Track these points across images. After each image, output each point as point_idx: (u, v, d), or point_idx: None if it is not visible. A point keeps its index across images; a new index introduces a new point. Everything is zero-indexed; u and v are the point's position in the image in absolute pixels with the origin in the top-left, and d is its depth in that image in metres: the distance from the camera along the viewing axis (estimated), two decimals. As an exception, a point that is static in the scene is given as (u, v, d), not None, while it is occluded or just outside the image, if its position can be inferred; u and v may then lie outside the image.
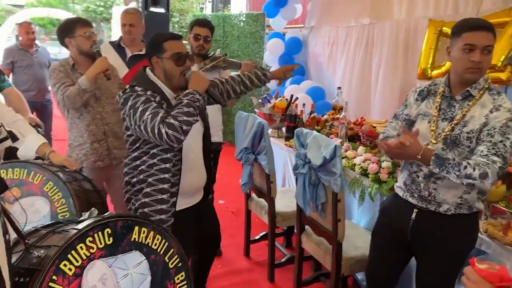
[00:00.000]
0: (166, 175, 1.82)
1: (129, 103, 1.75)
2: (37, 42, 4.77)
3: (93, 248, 1.16)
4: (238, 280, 2.78)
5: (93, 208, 1.48)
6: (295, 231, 2.59)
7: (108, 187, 2.59)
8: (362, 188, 2.43)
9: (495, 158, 1.52)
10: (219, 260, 2.99)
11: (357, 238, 2.35)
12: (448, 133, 1.65)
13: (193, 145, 1.92)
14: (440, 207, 1.69)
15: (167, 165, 1.81)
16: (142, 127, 1.71)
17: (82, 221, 1.26)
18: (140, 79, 1.85)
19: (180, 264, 1.38)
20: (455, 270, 1.74)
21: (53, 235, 1.18)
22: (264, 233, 3.06)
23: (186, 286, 1.40)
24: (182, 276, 1.39)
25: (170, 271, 1.36)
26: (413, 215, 1.76)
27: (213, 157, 2.99)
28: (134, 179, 1.85)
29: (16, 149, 1.91)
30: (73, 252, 1.12)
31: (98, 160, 2.43)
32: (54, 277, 1.07)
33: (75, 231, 1.14)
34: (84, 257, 1.14)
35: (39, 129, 2.41)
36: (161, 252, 1.34)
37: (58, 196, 1.70)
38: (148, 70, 1.89)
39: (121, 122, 1.97)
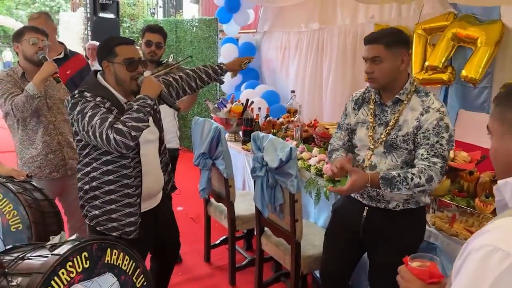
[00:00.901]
0: (127, 181, 1.80)
1: (78, 108, 1.71)
2: None
3: (72, 273, 1.18)
4: (199, 286, 2.77)
5: (62, 232, 1.45)
6: (255, 233, 2.63)
7: (63, 198, 2.51)
8: (317, 188, 2.50)
9: (435, 160, 1.63)
10: (179, 267, 2.96)
11: (314, 237, 2.42)
12: (384, 137, 1.76)
13: (149, 148, 1.90)
14: (389, 204, 1.79)
15: (127, 171, 1.79)
16: (90, 133, 1.67)
17: (54, 246, 1.24)
18: (90, 84, 1.81)
19: (146, 283, 1.45)
20: None
21: (24, 260, 1.16)
22: (224, 237, 3.07)
23: None
24: None
25: None
26: (364, 213, 1.84)
27: (171, 163, 2.97)
28: (87, 186, 1.81)
29: None
30: (56, 278, 1.13)
31: (53, 171, 2.35)
32: None
33: (56, 257, 1.14)
34: (65, 282, 1.16)
35: None
36: (129, 273, 1.39)
37: (9, 207, 1.65)
38: (99, 75, 1.85)
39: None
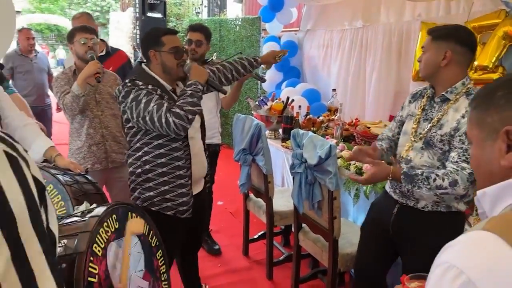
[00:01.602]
0: (179, 163, 1.91)
1: (131, 96, 1.82)
2: (36, 47, 4.82)
3: (108, 232, 1.30)
4: (237, 279, 2.84)
5: (85, 201, 1.58)
6: (293, 229, 2.66)
7: (108, 190, 2.65)
8: (357, 186, 2.50)
9: (465, 165, 1.59)
10: (218, 259, 3.06)
11: (353, 235, 2.41)
12: (425, 134, 1.74)
13: (195, 133, 2.01)
14: (418, 203, 1.76)
15: (177, 154, 1.91)
16: (147, 118, 1.78)
17: (84, 212, 1.36)
18: (138, 74, 1.93)
19: (158, 243, 1.59)
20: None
21: (63, 226, 1.27)
22: (262, 232, 3.13)
23: (163, 260, 1.61)
24: (160, 253, 1.59)
25: (153, 249, 1.55)
26: (395, 210, 1.83)
27: (212, 158, 3.06)
28: (139, 170, 1.93)
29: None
30: (98, 236, 1.25)
31: (96, 163, 2.48)
32: (92, 258, 1.19)
33: (95, 218, 1.27)
34: (105, 240, 1.28)
35: None
36: (146, 234, 1.52)
37: (58, 198, 1.74)
38: (144, 66, 1.97)
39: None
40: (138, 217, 1.49)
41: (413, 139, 1.78)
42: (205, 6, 8.75)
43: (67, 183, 1.80)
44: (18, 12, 20.86)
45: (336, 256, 2.25)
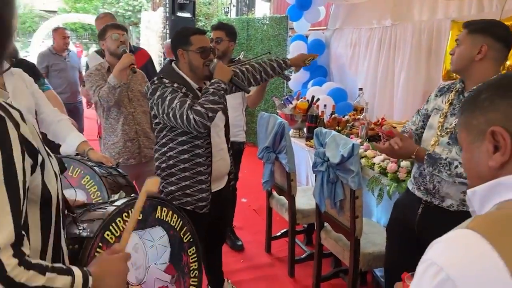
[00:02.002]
0: (200, 159, 1.98)
1: (158, 93, 1.91)
2: (70, 46, 5.02)
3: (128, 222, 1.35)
4: (259, 275, 2.87)
5: (121, 191, 1.70)
6: (315, 228, 2.67)
7: (139, 184, 2.74)
8: (380, 186, 2.48)
9: None
10: (241, 255, 3.10)
11: (376, 236, 2.41)
12: (452, 128, 1.71)
13: (218, 132, 2.07)
14: (443, 201, 1.74)
15: (199, 151, 1.97)
16: (171, 115, 1.86)
17: (113, 201, 1.43)
18: (166, 72, 2.01)
19: (192, 240, 1.60)
20: None
21: (90, 212, 1.36)
22: (285, 230, 3.15)
23: (196, 256, 1.62)
24: (193, 249, 1.60)
25: (184, 244, 1.57)
26: (420, 210, 1.81)
27: (236, 156, 3.11)
28: (164, 164, 2.02)
29: (59, 145, 2.07)
30: (113, 224, 1.31)
31: (130, 158, 2.58)
32: (100, 244, 1.26)
33: (114, 207, 1.33)
34: (121, 229, 1.32)
35: None
36: (177, 229, 1.54)
37: (94, 189, 1.83)
38: (173, 64, 2.05)
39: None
40: (170, 212, 1.52)
41: (439, 133, 1.76)
42: (233, 6, 8.82)
43: (102, 175, 1.90)
44: (54, 12, 21.65)
45: (357, 255, 2.25)
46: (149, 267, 1.43)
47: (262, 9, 9.55)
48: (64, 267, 0.89)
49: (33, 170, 0.85)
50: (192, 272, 1.60)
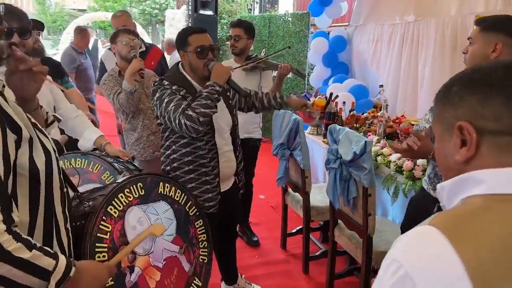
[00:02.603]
0: (204, 161, 1.99)
1: (157, 95, 1.93)
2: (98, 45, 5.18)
3: (130, 197, 1.43)
4: (273, 270, 2.89)
5: (124, 171, 1.79)
6: (330, 225, 2.66)
7: None
8: (396, 184, 2.45)
9: None
10: (256, 251, 3.13)
11: (390, 234, 2.38)
12: None
13: (223, 134, 2.07)
14: None
15: (202, 152, 1.98)
16: (166, 118, 1.88)
17: (112, 183, 1.56)
18: (170, 73, 2.04)
19: (198, 213, 1.66)
20: None
21: (97, 191, 1.45)
22: (300, 227, 3.14)
23: (204, 229, 1.67)
24: (200, 222, 1.66)
25: (190, 217, 1.63)
26: (435, 209, 1.78)
27: (252, 153, 3.13)
28: (168, 167, 2.04)
29: (77, 140, 2.14)
30: (115, 199, 1.39)
31: (156, 151, 2.64)
32: (104, 218, 1.33)
33: (114, 184, 1.43)
34: (125, 204, 1.41)
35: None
36: (182, 203, 1.60)
37: None
38: (180, 65, 2.05)
39: None
40: (173, 187, 1.59)
41: None
42: (256, 2, 8.83)
43: (121, 170, 1.92)
44: (84, 10, 22.22)
45: (370, 253, 2.23)
46: (155, 238, 1.49)
47: (285, 6, 9.52)
48: (52, 251, 0.94)
49: (18, 146, 0.91)
50: (201, 243, 1.66)
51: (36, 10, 23.73)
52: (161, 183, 1.55)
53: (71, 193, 1.30)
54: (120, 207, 1.39)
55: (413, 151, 1.68)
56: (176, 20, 8.22)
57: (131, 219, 1.42)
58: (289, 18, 5.84)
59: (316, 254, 2.94)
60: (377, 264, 2.26)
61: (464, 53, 1.71)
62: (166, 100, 1.89)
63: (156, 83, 1.96)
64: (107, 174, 1.89)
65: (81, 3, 24.06)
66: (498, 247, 0.58)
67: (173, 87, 1.92)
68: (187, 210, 1.62)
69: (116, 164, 1.95)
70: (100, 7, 22.27)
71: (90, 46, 6.63)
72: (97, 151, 2.08)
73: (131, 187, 1.44)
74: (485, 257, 0.58)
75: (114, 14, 3.25)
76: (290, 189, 3.09)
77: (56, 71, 2.89)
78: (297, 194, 2.96)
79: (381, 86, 3.87)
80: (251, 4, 8.95)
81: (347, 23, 5.32)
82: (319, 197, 2.91)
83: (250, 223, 3.38)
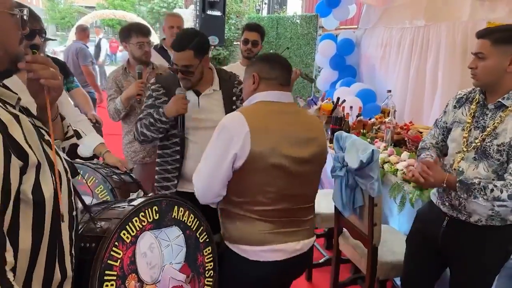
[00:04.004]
0: (168, 158, 2.06)
1: (147, 93, 2.12)
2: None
3: (144, 222, 1.37)
4: (276, 277, 2.85)
5: (139, 190, 1.73)
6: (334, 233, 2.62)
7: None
8: (403, 193, 2.41)
9: None
10: (259, 257, 3.08)
11: (395, 244, 2.33)
12: (478, 143, 1.62)
13: (198, 140, 2.02)
14: (470, 217, 1.66)
15: (168, 151, 2.06)
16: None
17: (131, 200, 1.47)
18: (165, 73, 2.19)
19: (208, 240, 1.58)
20: (486, 283, 1.70)
21: (108, 210, 1.40)
22: (304, 233, 3.10)
23: (212, 257, 1.60)
24: (209, 249, 1.59)
25: (200, 245, 1.56)
26: (444, 223, 1.74)
27: None
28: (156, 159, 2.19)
29: (77, 146, 2.12)
30: (130, 224, 1.32)
31: (146, 156, 2.61)
32: (116, 243, 1.28)
33: (131, 207, 1.36)
34: (138, 229, 1.35)
35: (97, 124, 2.64)
36: (194, 229, 1.54)
37: (107, 199, 1.84)
38: None
39: None
40: (187, 211, 1.52)
41: (464, 149, 1.68)
42: (265, 3, 8.79)
43: (116, 185, 1.91)
44: (93, 7, 22.30)
45: (374, 263, 2.19)
46: (164, 267, 1.44)
47: (294, 7, 9.48)
48: None
49: (23, 172, 0.87)
50: (207, 272, 1.60)
51: (45, 7, 23.88)
52: (175, 207, 1.48)
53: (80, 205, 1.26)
54: (133, 232, 1.33)
55: (424, 180, 1.65)
56: (184, 20, 8.21)
57: (143, 245, 1.36)
58: (297, 20, 5.81)
59: (320, 261, 2.90)
60: (382, 275, 2.22)
61: (472, 68, 1.64)
62: (145, 101, 2.09)
63: (150, 83, 2.12)
64: (100, 187, 1.87)
65: (90, 0, 24.16)
66: (261, 116, 1.50)
67: (152, 87, 2.05)
68: (198, 236, 1.55)
69: (110, 179, 1.90)
70: (108, 4, 22.34)
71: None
72: (94, 160, 2.06)
73: (147, 211, 1.39)
74: (257, 122, 1.46)
75: (172, 13, 3.27)
76: (294, 195, 3.05)
77: (62, 71, 2.87)
78: (301, 200, 2.92)
79: (389, 91, 3.81)
80: (260, 5, 8.92)
81: (356, 26, 5.27)
82: (324, 203, 2.87)
83: None
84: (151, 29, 2.72)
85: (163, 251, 1.43)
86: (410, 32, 4.26)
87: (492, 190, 1.51)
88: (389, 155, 2.69)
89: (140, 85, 2.42)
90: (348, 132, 3.20)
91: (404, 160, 2.59)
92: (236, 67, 2.91)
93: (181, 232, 1.50)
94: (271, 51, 6.27)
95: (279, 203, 1.50)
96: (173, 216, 1.48)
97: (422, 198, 2.26)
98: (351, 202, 2.24)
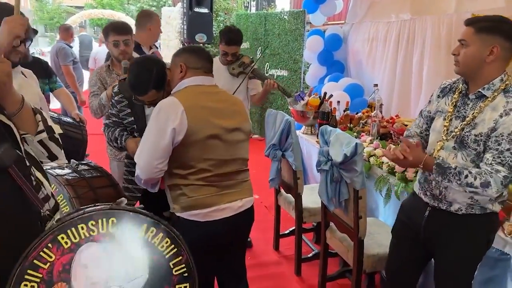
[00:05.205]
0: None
1: None
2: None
3: (93, 231, 1.22)
4: (265, 273, 2.87)
5: (122, 198, 1.49)
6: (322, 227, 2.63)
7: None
8: (388, 186, 2.42)
9: (500, 168, 1.50)
10: (249, 252, 3.08)
11: (382, 236, 2.35)
12: (457, 132, 1.63)
13: None
14: (451, 206, 1.68)
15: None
16: None
17: (100, 205, 1.35)
18: None
19: (186, 275, 1.32)
20: (469, 272, 1.72)
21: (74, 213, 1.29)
22: (293, 228, 3.11)
23: None
24: (185, 286, 1.32)
25: (172, 277, 1.31)
26: (426, 213, 1.76)
27: None
28: None
29: (70, 152, 2.10)
30: (73, 229, 1.20)
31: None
32: (50, 245, 1.16)
33: (81, 211, 1.24)
34: (83, 237, 1.21)
35: (81, 124, 2.63)
36: (166, 255, 1.30)
37: (66, 209, 1.83)
38: None
39: None
40: (161, 234, 1.29)
41: (444, 138, 1.69)
42: (253, 0, 8.77)
43: (75, 195, 1.87)
44: (82, 7, 22.10)
45: (361, 256, 2.20)
46: None
47: (282, 4, 9.47)
48: None
49: None
50: None
51: (33, 8, 23.62)
52: (144, 225, 1.27)
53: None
54: (75, 238, 1.19)
55: (402, 159, 1.64)
56: (172, 17, 8.17)
57: (85, 256, 1.20)
58: (285, 16, 5.80)
59: (309, 256, 2.92)
60: (368, 268, 2.24)
61: (454, 54, 1.66)
62: None
63: None
64: (60, 197, 1.86)
65: (78, 0, 23.94)
66: (192, 97, 1.74)
67: (115, 98, 2.09)
68: (171, 267, 1.30)
69: (71, 188, 1.89)
70: (97, 4, 22.15)
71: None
72: (57, 169, 2.02)
73: (100, 220, 1.22)
74: (189, 102, 1.70)
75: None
76: (282, 190, 3.06)
77: (44, 71, 2.85)
78: (289, 195, 2.94)
79: (376, 85, 3.83)
80: (248, 2, 8.90)
81: (344, 21, 5.28)
82: (311, 198, 2.88)
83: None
84: (132, 26, 2.69)
85: (112, 269, 1.22)
86: (396, 26, 4.27)
87: (466, 176, 1.53)
88: (375, 148, 2.71)
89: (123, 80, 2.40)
90: (335, 126, 3.22)
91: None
92: (216, 63, 2.89)
93: (146, 256, 1.27)
94: (259, 48, 6.27)
95: (220, 168, 1.74)
96: (138, 235, 1.27)
97: (407, 190, 2.28)
98: (336, 195, 2.25)
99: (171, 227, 1.32)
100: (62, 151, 1.41)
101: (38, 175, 1.29)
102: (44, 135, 1.32)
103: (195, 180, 1.71)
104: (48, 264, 1.15)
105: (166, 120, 1.65)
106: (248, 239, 3.22)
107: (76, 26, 11.48)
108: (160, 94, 1.87)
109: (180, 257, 1.31)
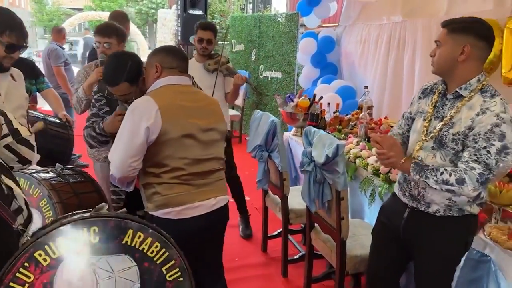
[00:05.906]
0: None
1: None
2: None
3: (74, 244, 1.14)
4: (252, 274, 2.87)
5: (103, 203, 1.40)
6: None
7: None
8: (373, 187, 2.43)
9: (475, 165, 1.50)
10: (236, 254, 3.09)
11: (366, 238, 2.35)
12: (436, 132, 1.64)
13: None
14: (429, 207, 1.69)
15: None
16: None
17: (76, 214, 1.29)
18: None
19: (181, 279, 1.26)
20: (448, 273, 1.72)
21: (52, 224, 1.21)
22: (281, 229, 3.12)
23: None
24: None
25: (166, 283, 1.24)
26: (405, 215, 1.76)
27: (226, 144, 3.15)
28: None
29: (56, 152, 2.10)
30: (51, 244, 1.10)
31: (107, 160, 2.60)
32: (26, 264, 1.07)
33: (57, 223, 1.15)
34: (63, 251, 1.11)
35: (67, 124, 2.63)
36: (158, 261, 1.24)
37: (49, 214, 1.84)
38: None
39: None
40: (149, 238, 1.22)
41: (424, 138, 1.70)
42: (249, 2, 8.80)
43: (59, 200, 1.86)
44: (81, 9, 22.16)
45: (343, 257, 2.20)
46: None
47: (278, 6, 9.50)
48: None
49: None
50: None
51: (32, 9, 23.68)
52: (130, 231, 1.20)
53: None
54: (54, 254, 1.08)
55: (384, 154, 1.66)
56: (168, 19, 8.20)
57: (68, 272, 1.11)
58: (279, 19, 5.81)
59: (295, 257, 2.92)
60: (351, 269, 2.24)
61: (432, 56, 1.67)
62: None
63: None
64: (44, 201, 1.87)
65: (77, 2, 24.01)
66: (167, 96, 1.74)
67: (95, 97, 2.11)
68: (164, 272, 1.23)
69: (55, 193, 1.89)
70: (96, 6, 22.21)
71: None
72: (42, 174, 2.02)
73: (81, 231, 1.13)
74: (164, 101, 1.70)
75: (110, 14, 3.28)
76: (270, 191, 3.06)
77: (30, 71, 2.85)
78: (276, 196, 2.94)
79: (366, 87, 3.84)
80: (244, 4, 8.92)
81: (337, 24, 5.29)
82: (298, 199, 2.88)
83: (250, 215, 3.48)
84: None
85: (99, 283, 1.15)
86: (388, 28, 4.29)
87: (442, 173, 1.54)
88: (361, 150, 2.71)
89: (99, 72, 2.37)
90: (324, 128, 3.23)
91: (375, 155, 2.60)
92: (192, 64, 2.91)
93: (135, 264, 1.19)
94: (254, 49, 6.28)
95: (194, 167, 1.75)
96: (124, 242, 1.18)
97: (391, 191, 2.28)
98: (320, 196, 2.25)
99: (159, 230, 1.25)
100: (35, 153, 1.38)
101: (8, 182, 1.20)
102: (9, 139, 1.27)
103: (169, 178, 1.72)
104: (27, 285, 1.06)
105: (140, 118, 1.65)
106: (249, 232, 3.34)
107: (75, 27, 11.52)
108: (133, 89, 1.86)
109: (173, 261, 1.25)
